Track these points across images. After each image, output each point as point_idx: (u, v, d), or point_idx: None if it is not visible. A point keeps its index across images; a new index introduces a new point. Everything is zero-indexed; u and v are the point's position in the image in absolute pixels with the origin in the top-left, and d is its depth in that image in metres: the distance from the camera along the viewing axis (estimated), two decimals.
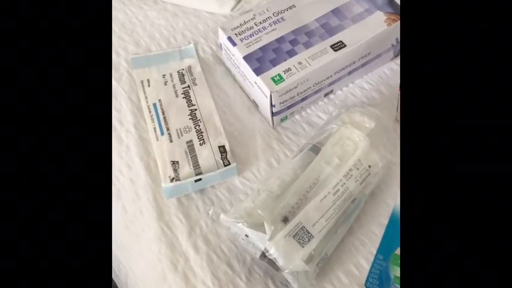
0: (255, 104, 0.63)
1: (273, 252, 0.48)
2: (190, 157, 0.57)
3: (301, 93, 0.60)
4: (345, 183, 0.52)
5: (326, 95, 0.63)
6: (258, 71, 0.59)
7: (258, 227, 0.49)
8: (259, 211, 0.49)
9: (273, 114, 0.60)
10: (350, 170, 0.52)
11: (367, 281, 0.51)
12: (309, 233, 0.49)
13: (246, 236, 0.49)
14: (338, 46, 0.60)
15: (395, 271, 0.50)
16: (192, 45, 0.68)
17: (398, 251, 0.51)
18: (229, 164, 0.57)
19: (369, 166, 0.53)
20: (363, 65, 0.63)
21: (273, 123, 0.61)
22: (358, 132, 0.54)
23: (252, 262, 0.52)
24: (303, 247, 0.48)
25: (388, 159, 0.55)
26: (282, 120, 0.61)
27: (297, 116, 0.62)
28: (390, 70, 0.66)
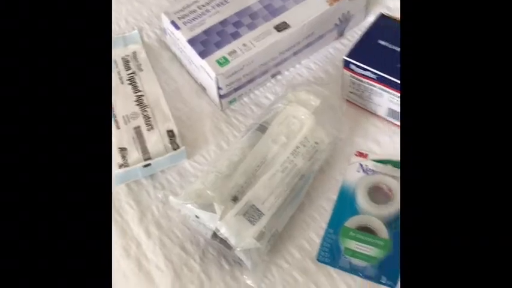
0: (202, 88, 0.63)
1: (224, 232, 0.48)
2: (139, 142, 0.57)
3: (247, 74, 0.60)
4: (292, 161, 0.52)
5: (273, 76, 0.64)
6: (203, 54, 0.59)
7: (208, 207, 0.49)
8: (208, 192, 0.50)
9: (220, 96, 0.60)
10: (297, 147, 0.53)
11: (318, 254, 0.52)
12: (258, 210, 0.49)
13: (197, 216, 0.49)
14: (282, 27, 0.61)
15: (345, 243, 0.51)
16: (136, 31, 0.68)
17: (347, 223, 0.52)
18: (178, 147, 0.57)
19: (316, 143, 0.54)
20: (308, 45, 0.64)
21: (221, 106, 0.61)
22: (304, 110, 0.55)
23: (206, 243, 0.52)
24: (253, 225, 0.49)
25: (334, 135, 0.56)
26: (230, 102, 0.62)
27: (245, 98, 0.63)
28: (335, 49, 0.66)
